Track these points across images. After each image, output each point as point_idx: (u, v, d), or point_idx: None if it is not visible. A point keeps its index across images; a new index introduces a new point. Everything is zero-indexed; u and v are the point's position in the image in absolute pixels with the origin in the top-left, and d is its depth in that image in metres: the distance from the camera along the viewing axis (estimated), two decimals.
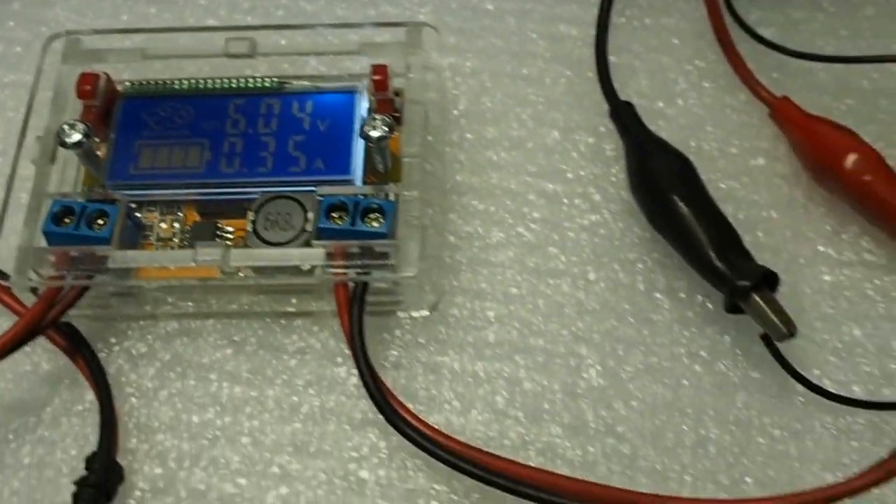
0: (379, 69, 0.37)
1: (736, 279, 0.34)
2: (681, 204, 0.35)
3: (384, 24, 0.39)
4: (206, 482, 0.34)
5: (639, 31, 0.42)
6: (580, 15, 0.42)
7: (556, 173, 0.39)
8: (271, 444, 0.35)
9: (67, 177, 0.37)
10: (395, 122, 0.36)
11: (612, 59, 0.41)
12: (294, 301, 0.37)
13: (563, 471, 0.33)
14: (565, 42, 0.42)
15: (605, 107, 0.40)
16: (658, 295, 0.37)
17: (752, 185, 0.38)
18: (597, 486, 0.31)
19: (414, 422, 0.32)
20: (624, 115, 0.39)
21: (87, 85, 0.37)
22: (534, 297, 0.37)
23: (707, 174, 0.38)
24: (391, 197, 0.35)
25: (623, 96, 0.40)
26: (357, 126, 0.36)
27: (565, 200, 0.38)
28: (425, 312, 0.36)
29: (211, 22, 0.42)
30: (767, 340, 0.34)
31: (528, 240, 0.38)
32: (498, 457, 0.32)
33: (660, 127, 0.39)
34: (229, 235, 0.36)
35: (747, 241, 0.36)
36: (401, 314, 0.36)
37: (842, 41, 0.41)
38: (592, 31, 0.41)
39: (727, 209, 0.37)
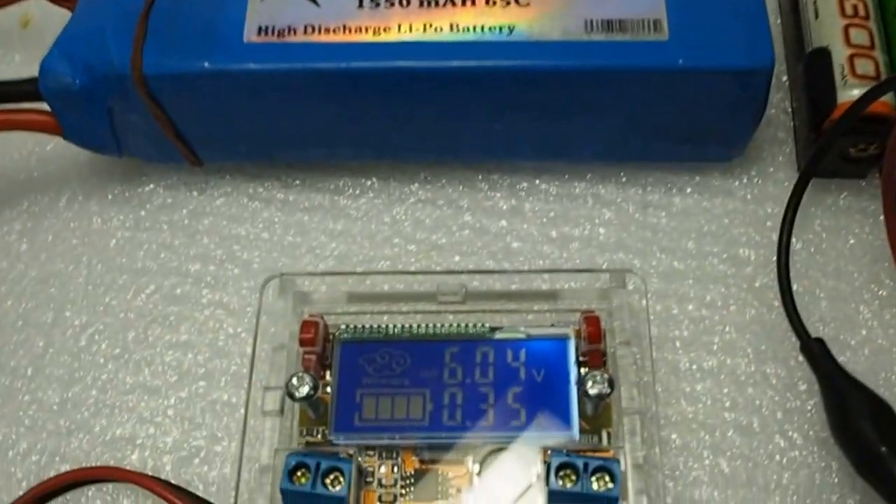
0: (591, 319, 0.38)
1: None
2: (890, 459, 0.36)
3: (587, 271, 0.40)
4: None
5: (815, 256, 0.43)
6: (756, 238, 0.43)
7: (751, 407, 0.40)
8: None
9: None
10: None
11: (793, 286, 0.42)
12: None
13: None
14: (745, 266, 0.43)
15: (794, 339, 0.41)
16: None
17: None
18: None
19: None
20: (816, 353, 0.40)
21: (309, 333, 0.38)
22: None
23: None
24: (617, 456, 0.36)
25: (807, 326, 0.41)
26: (573, 377, 0.38)
27: (762, 436, 0.39)
28: None
29: (411, 260, 0.44)
30: None
31: (728, 476, 0.39)
32: None
33: (847, 359, 0.41)
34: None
35: None
36: None
37: None
38: (770, 255, 0.42)
39: None
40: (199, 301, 0.43)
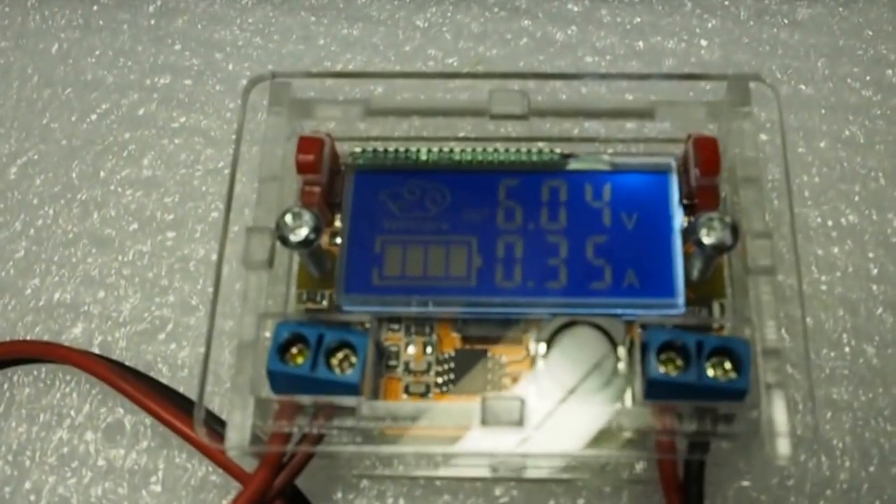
0: (705, 143, 0.28)
1: None
2: None
3: (695, 77, 0.29)
4: None
5: None
6: None
7: None
8: None
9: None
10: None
11: None
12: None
13: None
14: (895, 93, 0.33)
15: None
16: None
17: None
18: None
19: None
20: None
21: (309, 153, 0.28)
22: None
23: None
24: (741, 334, 0.25)
25: None
26: (676, 222, 0.27)
27: None
28: None
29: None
30: None
31: (877, 370, 0.29)
32: None
33: None
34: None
35: None
36: None
37: None
38: None
39: None
40: (167, 125, 0.35)
